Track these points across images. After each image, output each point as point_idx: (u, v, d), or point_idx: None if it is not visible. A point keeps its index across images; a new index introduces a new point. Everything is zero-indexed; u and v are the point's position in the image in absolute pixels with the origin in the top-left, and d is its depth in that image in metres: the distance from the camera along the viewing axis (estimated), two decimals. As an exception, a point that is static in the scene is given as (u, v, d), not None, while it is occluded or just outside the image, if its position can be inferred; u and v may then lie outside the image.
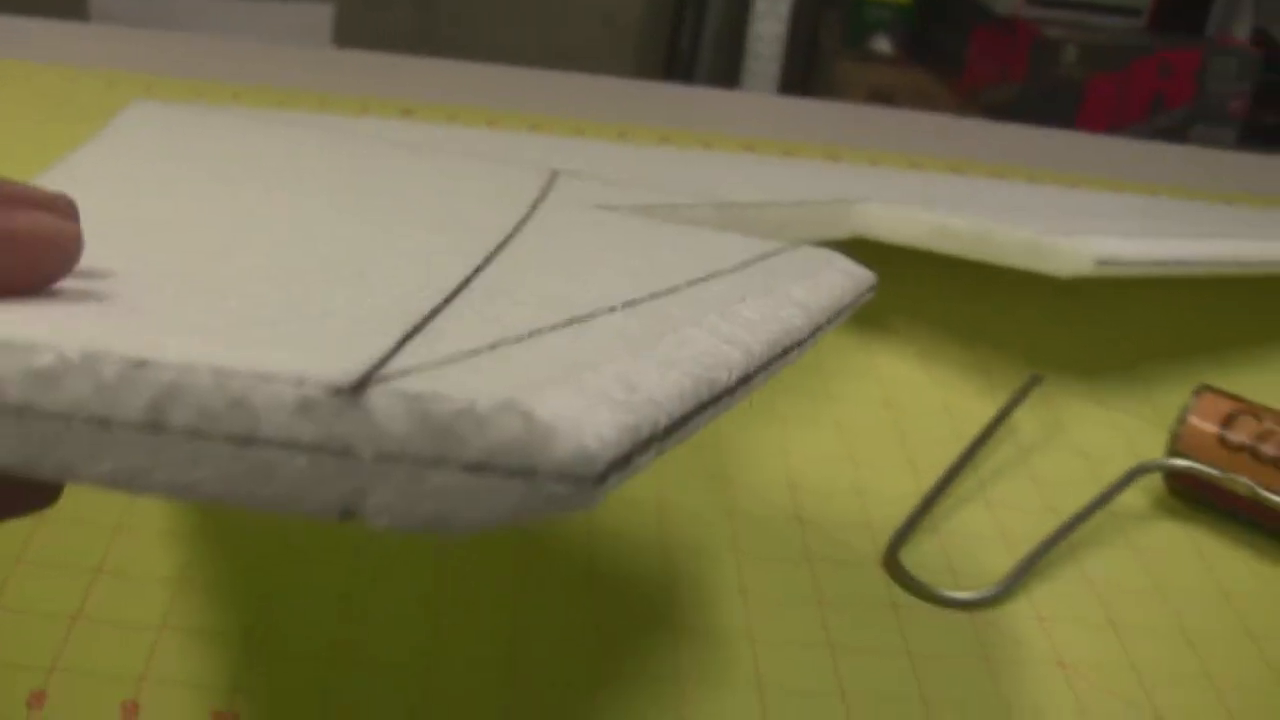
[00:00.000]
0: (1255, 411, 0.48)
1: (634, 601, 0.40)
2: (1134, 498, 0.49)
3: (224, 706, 0.34)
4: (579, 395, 0.20)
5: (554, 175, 0.50)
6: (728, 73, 2.11)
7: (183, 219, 0.34)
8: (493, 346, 0.23)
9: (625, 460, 0.20)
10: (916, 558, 0.44)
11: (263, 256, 0.31)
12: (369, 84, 0.82)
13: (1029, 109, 1.60)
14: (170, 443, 0.19)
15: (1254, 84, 1.67)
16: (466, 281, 0.29)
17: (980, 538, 0.45)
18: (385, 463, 0.19)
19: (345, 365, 0.20)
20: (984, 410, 0.53)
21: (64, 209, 0.26)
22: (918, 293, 0.63)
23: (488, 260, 0.32)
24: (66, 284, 0.26)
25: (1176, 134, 1.66)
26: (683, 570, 0.42)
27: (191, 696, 0.34)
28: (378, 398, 0.19)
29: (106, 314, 0.23)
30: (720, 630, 0.39)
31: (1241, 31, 1.78)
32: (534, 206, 0.42)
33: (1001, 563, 0.44)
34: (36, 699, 0.34)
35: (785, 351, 0.28)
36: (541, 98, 0.84)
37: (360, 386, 0.19)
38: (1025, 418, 0.53)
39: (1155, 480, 0.50)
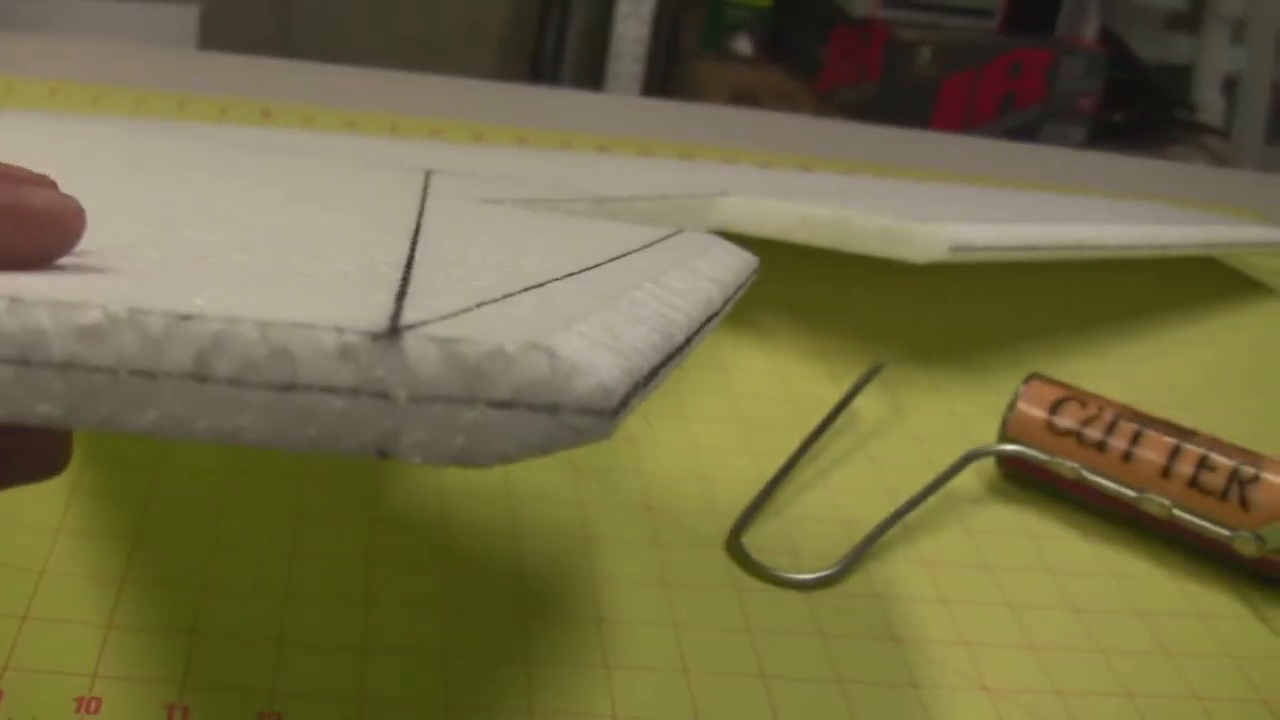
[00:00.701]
0: (1081, 398, 0.50)
1: (484, 585, 0.41)
2: (968, 481, 0.51)
3: (175, 700, 0.35)
4: (582, 340, 0.22)
5: (429, 174, 0.51)
6: (592, 74, 2.13)
7: (107, 207, 0.35)
8: (479, 305, 0.24)
9: (626, 399, 0.22)
10: (759, 540, 0.46)
11: (207, 233, 0.32)
12: (229, 85, 0.82)
13: (885, 109, 1.63)
14: (214, 391, 0.20)
15: (1102, 83, 1.72)
16: (411, 257, 0.30)
17: (820, 521, 0.47)
18: (419, 403, 0.20)
19: (373, 314, 0.21)
20: (826, 398, 0.55)
21: (56, 187, 0.27)
22: (765, 283, 0.64)
23: (414, 241, 0.33)
24: (64, 260, 0.26)
25: (1028, 133, 1.71)
26: (534, 555, 0.43)
27: (145, 691, 0.35)
28: (412, 341, 0.20)
29: (116, 279, 0.24)
30: (568, 612, 0.41)
31: (1090, 32, 1.83)
32: (422, 201, 0.43)
33: (840, 545, 0.46)
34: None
35: (708, 319, 0.30)
36: (402, 99, 0.85)
37: (395, 332, 0.20)
38: (866, 405, 0.55)
39: (989, 464, 0.52)
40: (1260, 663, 0.44)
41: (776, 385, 0.56)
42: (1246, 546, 0.47)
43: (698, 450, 0.50)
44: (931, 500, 0.49)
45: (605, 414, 0.21)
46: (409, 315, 0.22)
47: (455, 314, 0.23)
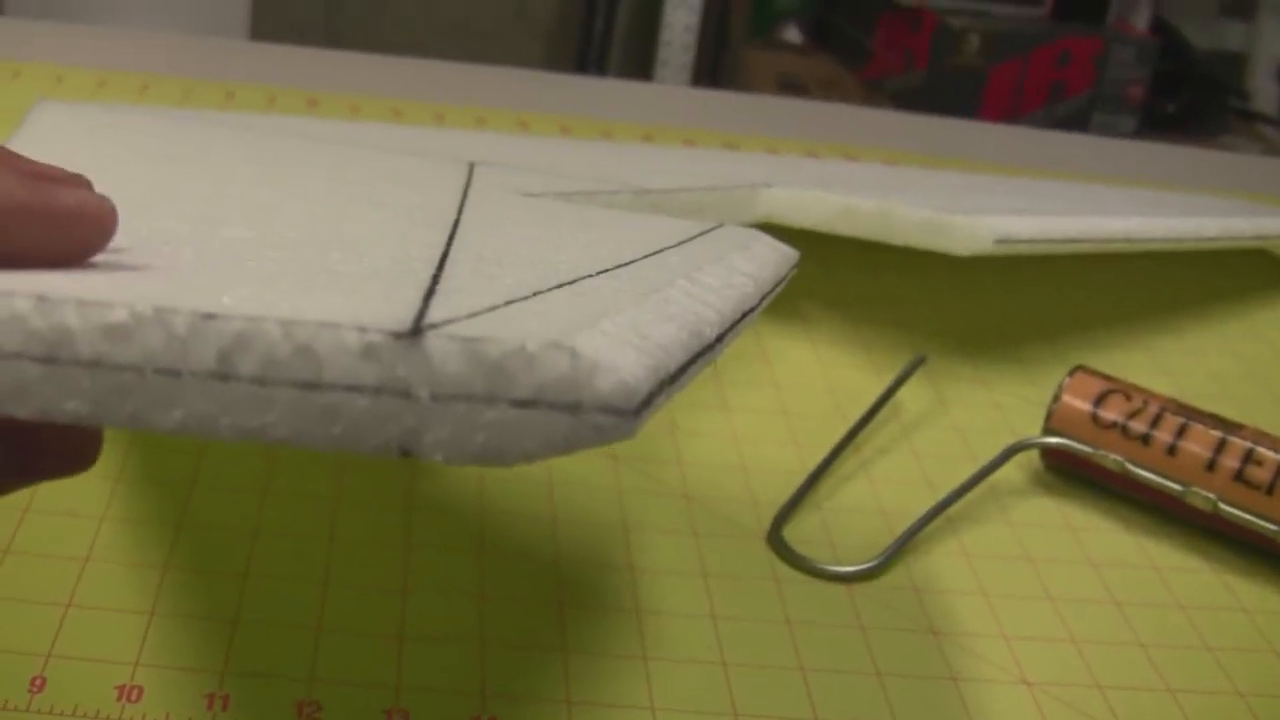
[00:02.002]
0: (1126, 390, 0.50)
1: (522, 573, 0.41)
2: (1012, 474, 0.51)
3: (215, 689, 0.36)
4: (606, 339, 0.22)
5: (472, 166, 0.51)
6: (641, 63, 2.13)
7: (147, 201, 0.35)
8: (507, 303, 0.24)
9: (649, 398, 0.22)
10: (799, 532, 0.46)
11: (245, 229, 0.32)
12: (276, 75, 0.82)
13: (932, 97, 1.62)
14: (238, 390, 0.21)
15: (1152, 72, 1.71)
16: (446, 253, 0.30)
17: (862, 513, 0.47)
18: (441, 402, 0.21)
19: (398, 313, 0.22)
20: (868, 389, 0.55)
21: (89, 186, 0.28)
22: (808, 275, 0.64)
23: (452, 236, 0.33)
24: (99, 257, 0.27)
25: (1077, 122, 1.69)
26: (572, 544, 0.43)
27: (185, 679, 0.36)
28: (434, 340, 0.21)
29: (148, 277, 0.25)
30: (606, 602, 0.41)
31: (1141, 20, 1.81)
32: (464, 194, 0.43)
33: (882, 537, 0.46)
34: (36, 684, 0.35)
35: (743, 316, 0.30)
36: (448, 89, 0.85)
37: (418, 331, 0.21)
38: (909, 397, 0.55)
39: (1033, 457, 0.52)
40: (1305, 659, 0.44)
41: (819, 377, 0.56)
42: (1292, 541, 0.46)
43: (739, 441, 0.50)
44: (974, 492, 0.49)
45: (627, 413, 0.21)
46: (434, 313, 0.22)
47: (482, 312, 0.23)
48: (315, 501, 0.43)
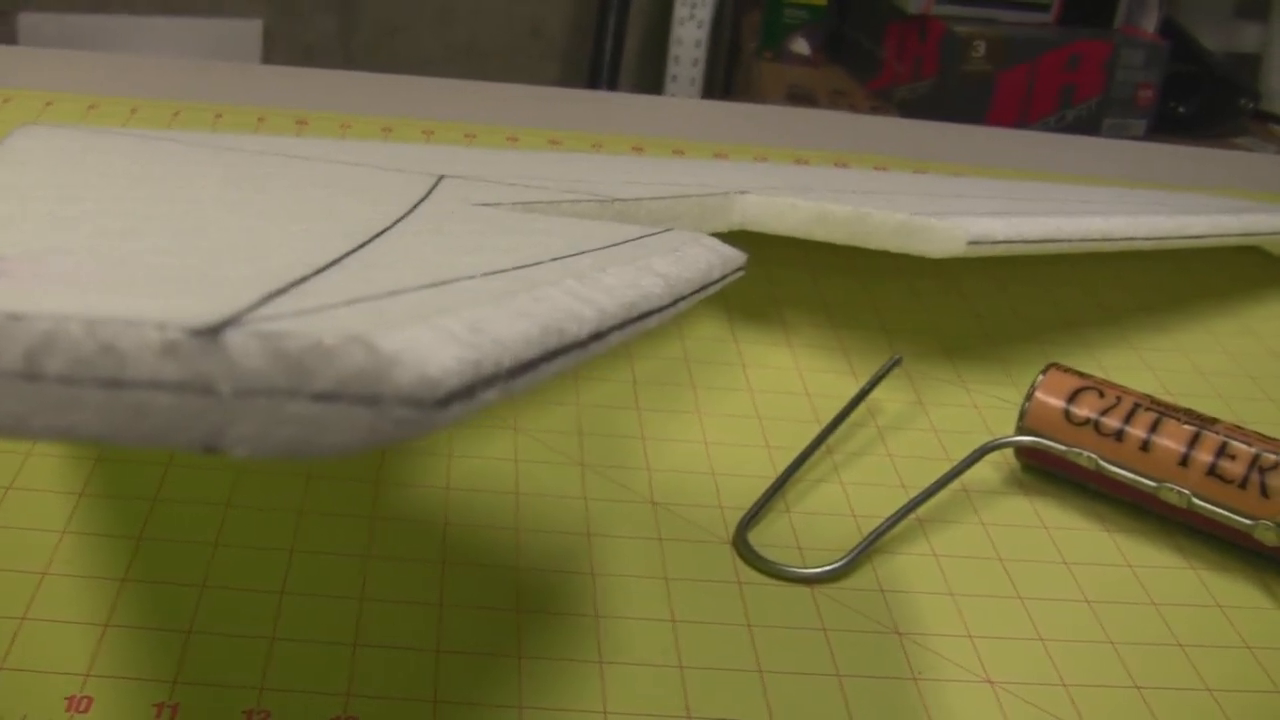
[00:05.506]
0: (1100, 387, 0.50)
1: (483, 581, 0.41)
2: (987, 473, 0.51)
3: (165, 699, 0.36)
4: (425, 332, 0.22)
5: (439, 179, 0.51)
6: (653, 79, 2.13)
7: (76, 216, 0.36)
8: (350, 302, 0.25)
9: (469, 391, 0.22)
10: (766, 536, 0.45)
11: (150, 239, 0.32)
12: (267, 96, 0.83)
13: (941, 105, 1.62)
14: (47, 389, 0.21)
15: (1163, 75, 1.70)
16: (340, 258, 0.31)
17: (832, 516, 0.47)
18: (243, 397, 0.21)
19: (215, 311, 0.22)
20: (846, 393, 0.54)
21: None
22: (789, 280, 0.64)
23: (364, 244, 0.33)
24: None
25: (1087, 126, 1.69)
26: (535, 551, 0.43)
27: (136, 690, 0.36)
28: (234, 337, 0.21)
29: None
30: (566, 608, 0.41)
31: (1150, 23, 1.81)
32: (415, 206, 0.43)
33: (851, 540, 0.46)
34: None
35: (643, 316, 0.30)
36: (440, 105, 0.85)
37: (218, 329, 0.21)
38: (887, 399, 0.55)
39: (1009, 457, 0.52)
40: (1279, 654, 0.43)
41: (795, 381, 0.55)
42: (1267, 535, 0.46)
43: (710, 446, 0.50)
44: (946, 493, 0.49)
45: (427, 405, 0.21)
46: (259, 313, 0.22)
47: (311, 310, 0.23)
48: (278, 514, 0.43)
